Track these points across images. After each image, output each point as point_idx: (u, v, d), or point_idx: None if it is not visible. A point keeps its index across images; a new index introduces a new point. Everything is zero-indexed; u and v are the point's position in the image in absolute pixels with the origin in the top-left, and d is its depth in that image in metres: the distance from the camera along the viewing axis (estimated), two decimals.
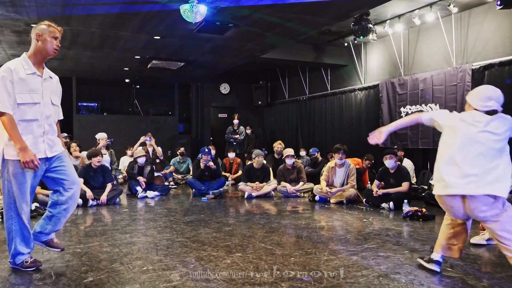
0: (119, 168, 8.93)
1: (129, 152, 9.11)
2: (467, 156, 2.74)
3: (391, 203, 5.68)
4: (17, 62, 2.92)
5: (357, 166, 7.29)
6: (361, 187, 7.02)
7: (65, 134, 8.16)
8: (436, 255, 3.02)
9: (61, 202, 3.08)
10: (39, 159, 2.93)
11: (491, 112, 2.79)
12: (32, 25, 2.76)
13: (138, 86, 12.50)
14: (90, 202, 6.03)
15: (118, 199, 6.38)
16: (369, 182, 7.37)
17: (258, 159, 7.22)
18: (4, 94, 2.80)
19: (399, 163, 6.22)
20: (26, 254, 3.03)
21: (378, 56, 8.75)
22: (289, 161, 7.16)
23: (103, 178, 6.37)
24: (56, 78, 3.18)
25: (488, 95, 2.83)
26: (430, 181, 6.48)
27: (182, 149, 9.35)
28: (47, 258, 3.30)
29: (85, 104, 11.50)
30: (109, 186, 6.31)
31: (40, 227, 3.11)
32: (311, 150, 8.79)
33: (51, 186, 3.14)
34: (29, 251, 3.06)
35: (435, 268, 2.97)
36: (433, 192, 2.95)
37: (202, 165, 7.29)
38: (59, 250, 3.22)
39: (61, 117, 3.25)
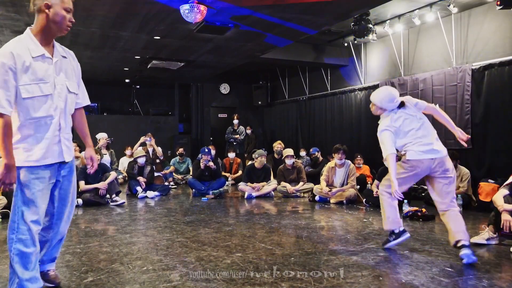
0: (119, 168, 8.93)
1: (128, 152, 9.11)
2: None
3: None
4: (19, 42, 2.31)
5: (363, 173, 7.33)
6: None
7: None
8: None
9: (51, 227, 2.58)
10: (52, 164, 2.41)
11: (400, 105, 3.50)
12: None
13: (138, 86, 12.50)
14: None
15: (118, 198, 6.34)
16: (369, 183, 7.36)
17: (260, 159, 7.22)
18: (1, 89, 2.19)
19: None
20: None
21: (378, 56, 8.75)
22: (289, 161, 7.16)
23: (102, 175, 6.38)
24: (71, 55, 2.59)
25: (392, 96, 3.51)
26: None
27: (181, 149, 9.35)
28: None
29: None
30: (112, 175, 6.37)
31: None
32: (311, 150, 8.80)
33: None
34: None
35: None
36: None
37: (202, 165, 7.29)
38: (54, 286, 2.66)
39: (87, 102, 2.74)
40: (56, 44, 2.46)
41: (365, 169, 7.58)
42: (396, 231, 3.59)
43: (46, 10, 2.30)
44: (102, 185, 6.21)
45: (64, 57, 2.51)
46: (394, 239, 3.60)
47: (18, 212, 2.31)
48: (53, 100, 2.37)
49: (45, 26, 2.34)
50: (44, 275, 2.61)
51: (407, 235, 3.63)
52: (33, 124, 2.33)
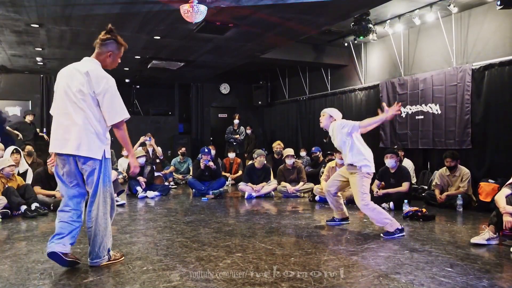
0: (118, 169, 8.93)
1: (124, 153, 9.10)
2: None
3: (391, 203, 5.68)
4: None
5: None
6: None
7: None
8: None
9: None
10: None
11: None
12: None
13: (138, 86, 12.50)
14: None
15: (119, 199, 6.34)
16: None
17: (259, 159, 7.21)
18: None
19: (399, 163, 6.22)
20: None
21: (378, 56, 8.75)
22: (289, 161, 7.16)
23: None
24: None
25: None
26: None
27: (183, 149, 9.35)
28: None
29: None
30: (113, 174, 6.36)
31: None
32: (313, 149, 8.79)
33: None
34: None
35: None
36: (371, 171, 4.29)
37: (202, 165, 7.29)
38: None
39: None
40: None
41: None
42: (400, 227, 4.16)
43: (109, 58, 3.08)
44: None
45: None
46: (400, 233, 4.11)
47: (109, 198, 3.09)
48: None
49: (104, 65, 3.09)
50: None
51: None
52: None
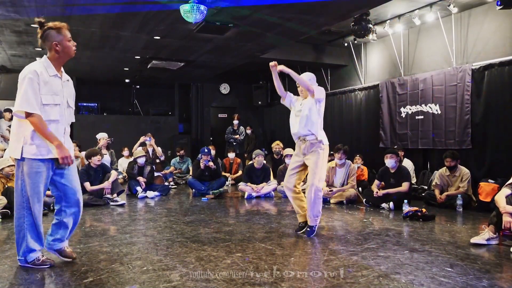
0: (118, 169, 8.93)
1: (125, 153, 9.10)
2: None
3: (391, 203, 5.68)
4: (40, 64, 3.00)
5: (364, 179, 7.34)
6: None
7: None
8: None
9: (65, 209, 3.19)
10: (51, 159, 3.02)
11: None
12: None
13: (138, 86, 12.50)
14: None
15: (118, 199, 6.35)
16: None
17: (258, 158, 7.22)
18: (32, 95, 2.88)
19: (398, 163, 6.22)
20: (38, 251, 3.09)
21: (378, 56, 8.75)
22: (288, 161, 7.15)
23: (103, 175, 6.39)
24: (71, 81, 3.30)
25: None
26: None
27: (182, 151, 9.35)
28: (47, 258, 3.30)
29: (85, 104, 11.49)
30: (114, 173, 6.44)
31: (51, 235, 3.22)
32: None
33: (53, 192, 3.26)
34: (41, 249, 3.12)
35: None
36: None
37: (202, 165, 7.29)
38: (71, 259, 3.24)
39: (73, 120, 3.32)
40: (63, 70, 3.17)
41: (365, 171, 7.56)
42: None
43: (56, 48, 3.00)
44: (107, 184, 6.27)
45: (68, 80, 3.22)
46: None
47: (23, 197, 3.04)
48: (61, 109, 3.06)
49: (58, 57, 3.05)
50: (61, 251, 3.23)
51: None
52: (48, 125, 2.96)
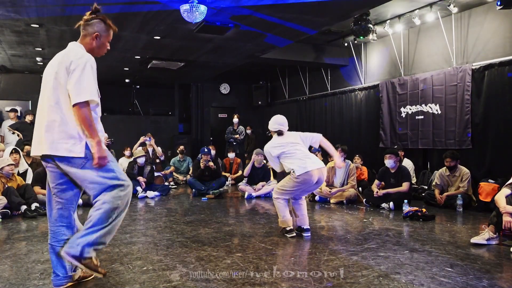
0: None
1: (126, 153, 9.10)
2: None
3: (391, 203, 5.68)
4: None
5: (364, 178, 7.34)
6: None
7: None
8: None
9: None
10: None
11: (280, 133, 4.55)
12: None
13: (138, 86, 12.49)
14: None
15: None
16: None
17: (258, 158, 7.21)
18: (94, 85, 2.54)
19: (398, 163, 6.22)
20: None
21: (378, 56, 8.75)
22: None
23: None
24: None
25: (279, 122, 4.61)
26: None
27: (181, 147, 9.36)
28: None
29: None
30: None
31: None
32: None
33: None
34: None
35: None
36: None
37: (202, 165, 7.29)
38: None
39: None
40: None
41: (364, 171, 7.56)
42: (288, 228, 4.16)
43: (96, 38, 2.72)
44: None
45: None
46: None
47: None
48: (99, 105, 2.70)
49: (90, 49, 2.70)
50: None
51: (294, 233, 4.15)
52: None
